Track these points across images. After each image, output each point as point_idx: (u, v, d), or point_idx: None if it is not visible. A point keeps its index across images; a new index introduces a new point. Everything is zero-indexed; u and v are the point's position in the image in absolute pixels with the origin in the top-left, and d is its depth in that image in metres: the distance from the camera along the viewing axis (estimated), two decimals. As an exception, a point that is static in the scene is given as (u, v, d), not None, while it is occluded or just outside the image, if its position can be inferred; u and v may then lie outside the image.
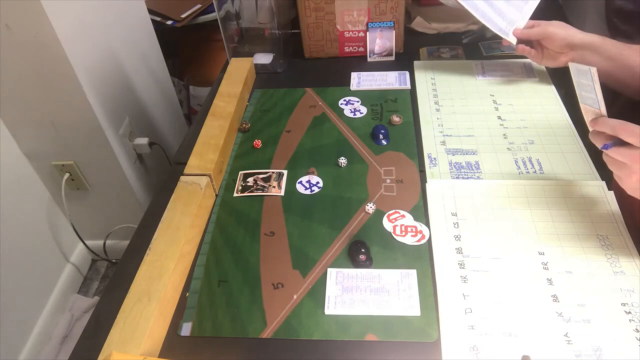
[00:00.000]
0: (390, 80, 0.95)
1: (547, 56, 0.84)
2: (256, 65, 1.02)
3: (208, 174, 0.72)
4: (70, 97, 1.17)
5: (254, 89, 0.98)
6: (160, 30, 1.60)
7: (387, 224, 0.67)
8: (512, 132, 0.80)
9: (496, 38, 1.04)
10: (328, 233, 0.67)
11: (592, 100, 0.59)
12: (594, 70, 0.57)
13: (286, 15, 1.09)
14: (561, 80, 0.90)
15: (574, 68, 0.62)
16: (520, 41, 0.86)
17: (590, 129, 0.59)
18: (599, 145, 0.57)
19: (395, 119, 0.83)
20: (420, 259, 0.62)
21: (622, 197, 0.66)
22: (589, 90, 0.59)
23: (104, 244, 1.55)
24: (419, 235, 0.65)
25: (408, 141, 0.80)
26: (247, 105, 0.93)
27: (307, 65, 1.04)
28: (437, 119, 0.84)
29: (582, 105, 0.62)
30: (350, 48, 1.03)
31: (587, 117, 0.61)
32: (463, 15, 1.06)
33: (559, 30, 0.80)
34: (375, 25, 0.99)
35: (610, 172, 0.58)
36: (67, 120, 1.23)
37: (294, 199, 0.72)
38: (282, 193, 0.73)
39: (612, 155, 0.55)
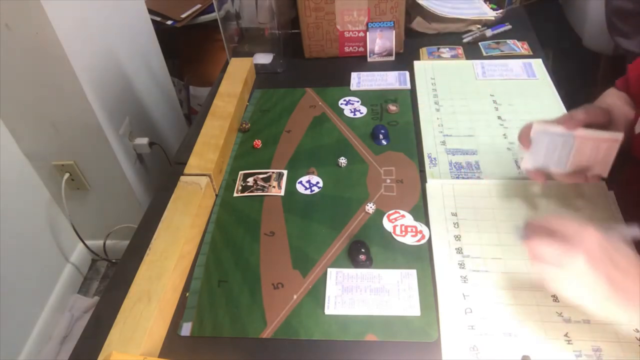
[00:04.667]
0: (390, 80, 0.95)
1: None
2: (256, 65, 1.02)
3: (208, 174, 0.72)
4: (70, 97, 1.17)
5: (254, 89, 0.98)
6: (160, 30, 1.59)
7: (387, 224, 0.67)
8: (512, 132, 0.80)
9: (496, 38, 1.05)
10: (328, 233, 0.67)
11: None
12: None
13: (286, 15, 1.09)
14: (561, 80, 0.90)
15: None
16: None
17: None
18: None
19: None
20: (420, 259, 0.62)
21: (622, 197, 0.66)
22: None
23: (104, 244, 1.55)
24: (419, 235, 0.65)
25: (408, 141, 0.80)
26: (247, 105, 0.93)
27: (307, 65, 1.04)
28: (437, 119, 0.84)
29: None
30: (350, 48, 1.03)
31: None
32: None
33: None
34: (375, 25, 0.99)
35: (611, 174, 0.59)
36: (67, 120, 1.23)
37: (294, 199, 0.72)
38: (282, 193, 0.73)
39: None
